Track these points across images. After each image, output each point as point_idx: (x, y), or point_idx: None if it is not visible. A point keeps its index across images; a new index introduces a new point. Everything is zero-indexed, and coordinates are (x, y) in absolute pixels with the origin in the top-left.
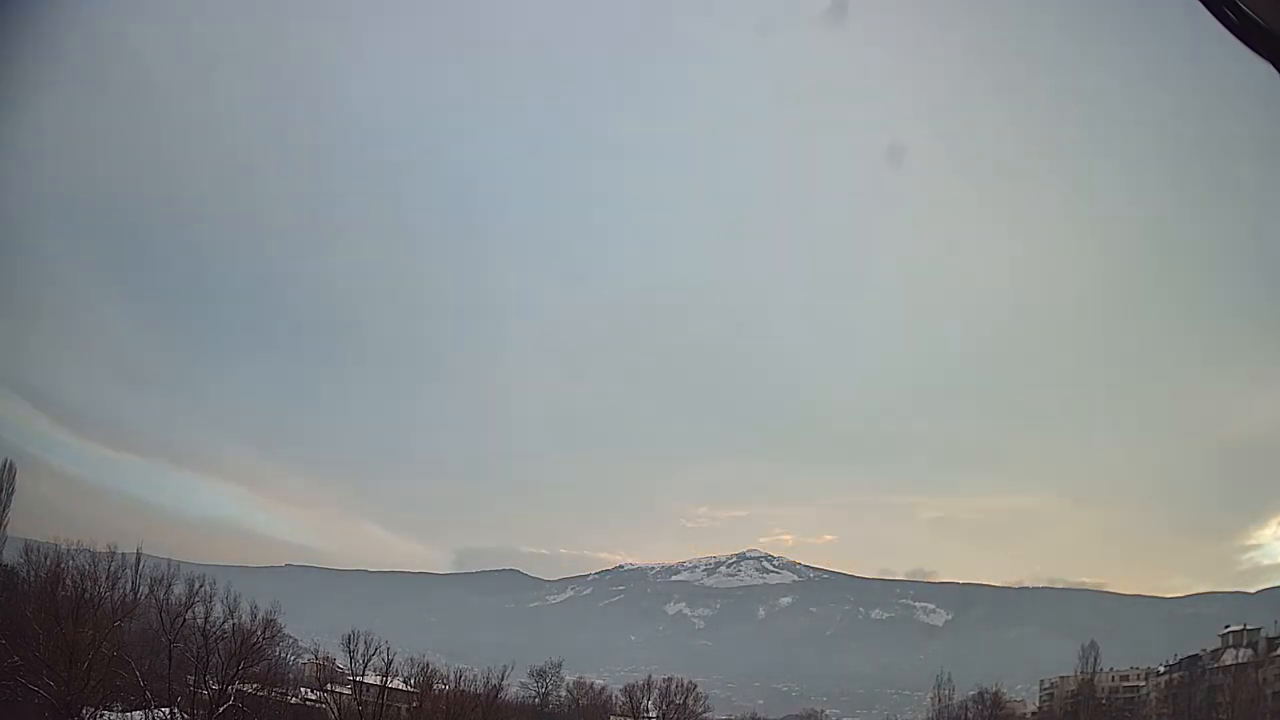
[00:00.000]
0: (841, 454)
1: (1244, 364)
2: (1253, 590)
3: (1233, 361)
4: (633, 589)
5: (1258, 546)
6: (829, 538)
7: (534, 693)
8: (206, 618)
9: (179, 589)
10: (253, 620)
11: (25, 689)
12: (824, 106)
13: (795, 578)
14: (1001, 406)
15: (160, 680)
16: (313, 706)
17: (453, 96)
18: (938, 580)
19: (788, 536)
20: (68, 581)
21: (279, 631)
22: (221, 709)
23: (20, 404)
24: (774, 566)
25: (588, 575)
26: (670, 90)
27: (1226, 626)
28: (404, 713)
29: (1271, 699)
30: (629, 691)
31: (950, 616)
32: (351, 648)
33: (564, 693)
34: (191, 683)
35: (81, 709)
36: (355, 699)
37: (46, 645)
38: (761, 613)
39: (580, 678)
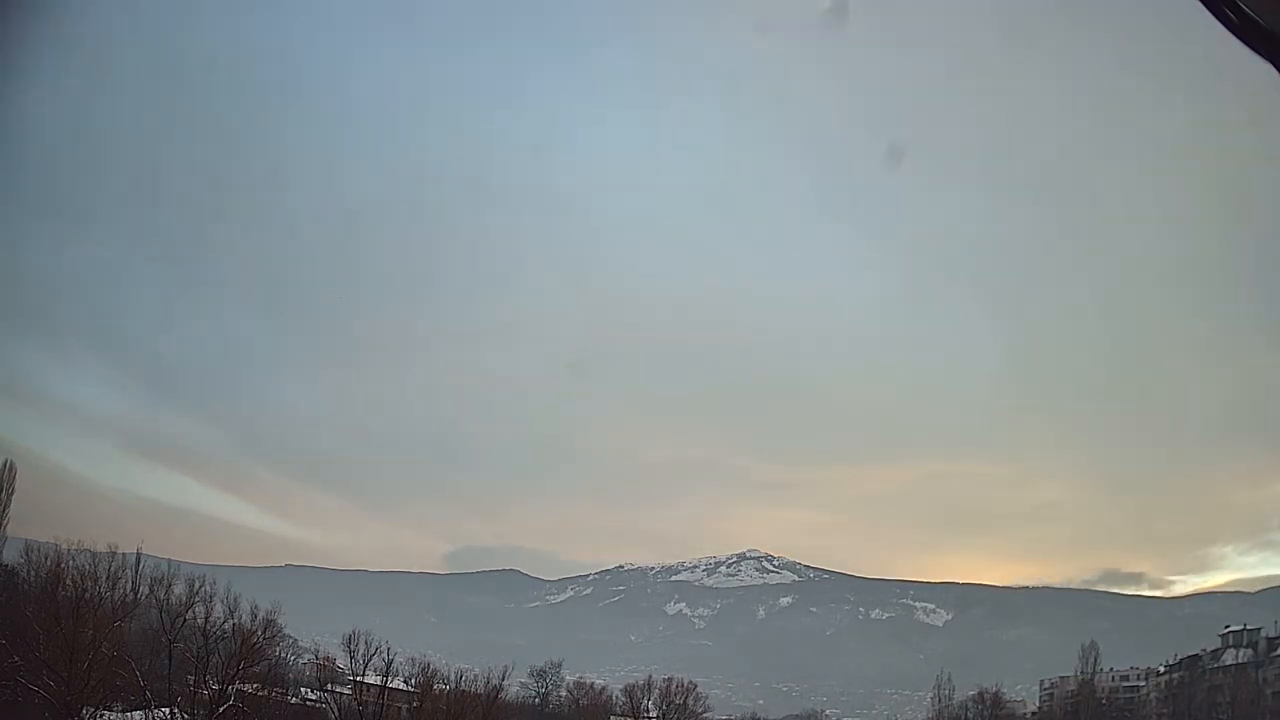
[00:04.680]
0: (843, 451)
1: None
2: (1253, 590)
3: (1237, 348)
4: (633, 589)
5: None
6: (829, 537)
7: (534, 693)
8: (206, 618)
9: (179, 589)
10: (253, 620)
11: (25, 689)
12: (823, 106)
13: (795, 578)
14: (1004, 393)
15: (160, 680)
16: (313, 706)
17: (454, 93)
18: (938, 580)
19: (788, 536)
20: (68, 581)
21: (279, 631)
22: (221, 709)
23: (20, 404)
24: (774, 566)
25: (588, 575)
26: (669, 89)
27: (1226, 626)
28: (404, 713)
29: (1271, 699)
30: (629, 691)
31: (950, 616)
32: (351, 648)
33: (564, 693)
34: (191, 683)
35: (81, 709)
36: (355, 699)
37: (46, 645)
38: (761, 613)
39: (580, 678)
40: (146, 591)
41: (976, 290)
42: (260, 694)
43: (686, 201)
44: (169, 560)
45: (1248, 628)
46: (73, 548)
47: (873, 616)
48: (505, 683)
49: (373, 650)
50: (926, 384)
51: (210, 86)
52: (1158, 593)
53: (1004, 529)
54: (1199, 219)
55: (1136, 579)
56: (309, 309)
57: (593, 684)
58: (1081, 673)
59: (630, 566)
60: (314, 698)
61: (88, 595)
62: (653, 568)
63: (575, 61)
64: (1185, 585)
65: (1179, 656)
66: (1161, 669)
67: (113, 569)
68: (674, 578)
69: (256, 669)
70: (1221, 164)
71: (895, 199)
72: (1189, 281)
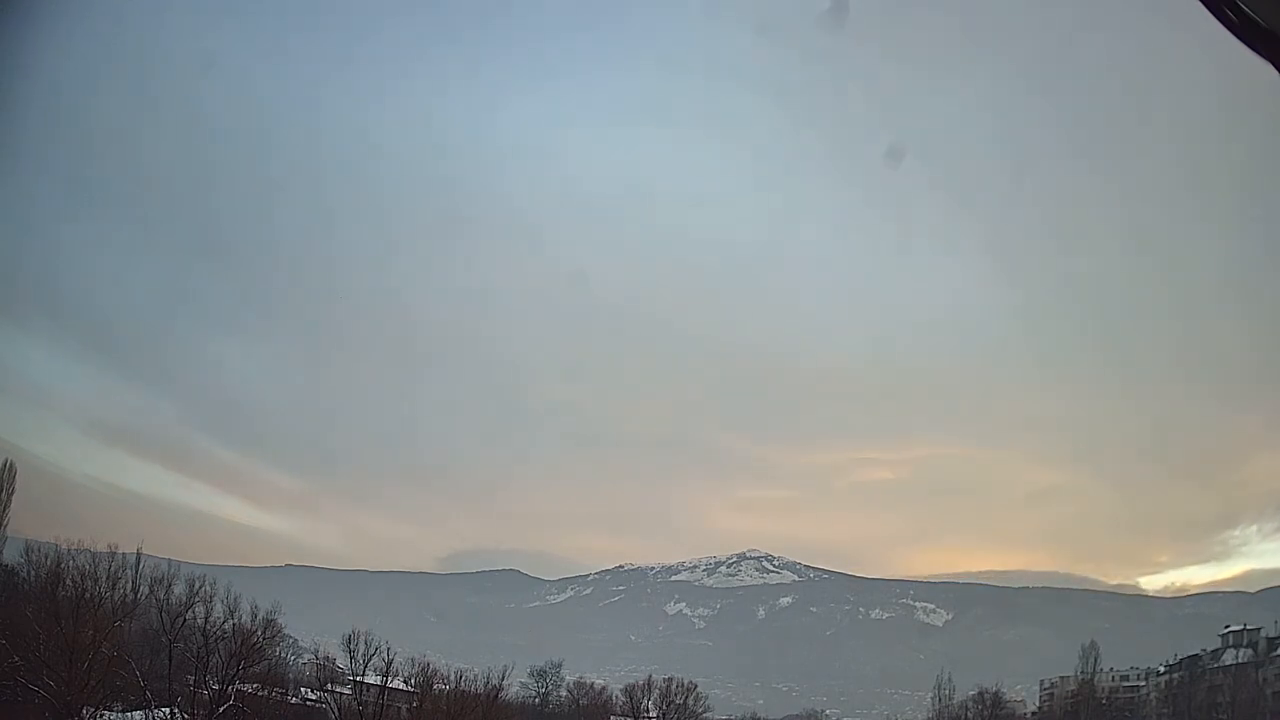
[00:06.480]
0: (841, 435)
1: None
2: (1253, 590)
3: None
4: (633, 589)
5: None
6: (828, 532)
7: (534, 693)
8: (206, 618)
9: (179, 589)
10: (253, 620)
11: (25, 689)
12: (824, 106)
13: (795, 578)
14: (1004, 375)
15: (160, 680)
16: (313, 706)
17: (449, 93)
18: (938, 580)
19: (787, 533)
20: (68, 581)
21: (279, 631)
22: (221, 709)
23: (20, 403)
24: (774, 566)
25: (588, 575)
26: (666, 88)
27: (1226, 626)
28: (404, 713)
29: (1271, 699)
30: (629, 691)
31: (950, 616)
32: (351, 648)
33: (564, 693)
34: (191, 683)
35: (81, 709)
36: (355, 699)
37: (46, 645)
38: (761, 613)
39: (580, 678)
40: (146, 591)
41: (975, 268)
42: (260, 694)
43: (680, 189)
44: (169, 560)
45: (1248, 628)
46: (73, 548)
47: (873, 616)
48: (505, 683)
49: (373, 650)
50: (925, 366)
51: (157, 43)
52: (1158, 592)
53: (1005, 515)
54: (1196, 210)
55: (1144, 570)
56: (311, 311)
57: (593, 684)
58: (1081, 673)
59: (630, 566)
60: (314, 698)
61: (88, 595)
62: (653, 568)
63: (572, 57)
64: (1200, 576)
65: (1179, 656)
66: (1161, 669)
67: (113, 569)
68: (674, 578)
69: (256, 669)
70: (1222, 153)
71: (893, 180)
72: (1188, 264)
